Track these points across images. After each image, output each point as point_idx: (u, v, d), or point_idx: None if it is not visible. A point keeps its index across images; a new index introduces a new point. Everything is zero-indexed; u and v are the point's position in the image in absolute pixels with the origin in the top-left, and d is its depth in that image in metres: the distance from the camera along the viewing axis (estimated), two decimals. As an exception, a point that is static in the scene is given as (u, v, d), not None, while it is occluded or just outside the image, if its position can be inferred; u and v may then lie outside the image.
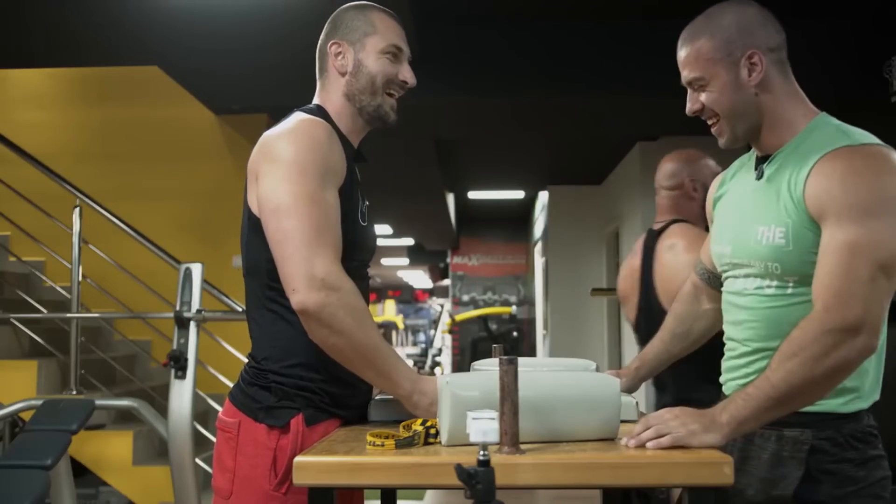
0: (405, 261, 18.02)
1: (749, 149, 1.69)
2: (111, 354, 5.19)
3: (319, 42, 1.79)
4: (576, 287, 8.99)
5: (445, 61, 4.83)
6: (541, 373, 1.56)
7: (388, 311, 26.99)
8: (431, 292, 25.84)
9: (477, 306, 13.38)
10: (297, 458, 1.35)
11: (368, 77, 1.72)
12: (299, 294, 1.52)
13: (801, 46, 4.78)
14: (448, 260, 14.07)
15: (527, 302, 13.00)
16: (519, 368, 1.35)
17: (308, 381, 1.62)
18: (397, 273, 23.43)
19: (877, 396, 1.58)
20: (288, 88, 4.69)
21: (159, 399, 4.65)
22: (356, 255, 1.68)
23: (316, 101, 1.78)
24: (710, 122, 1.63)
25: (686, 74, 1.61)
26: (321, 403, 1.64)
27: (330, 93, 1.75)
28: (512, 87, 4.91)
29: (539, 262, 10.94)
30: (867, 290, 1.42)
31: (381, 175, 7.83)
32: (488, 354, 1.94)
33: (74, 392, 4.29)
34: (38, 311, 4.77)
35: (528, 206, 11.53)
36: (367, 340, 1.55)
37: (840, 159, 1.48)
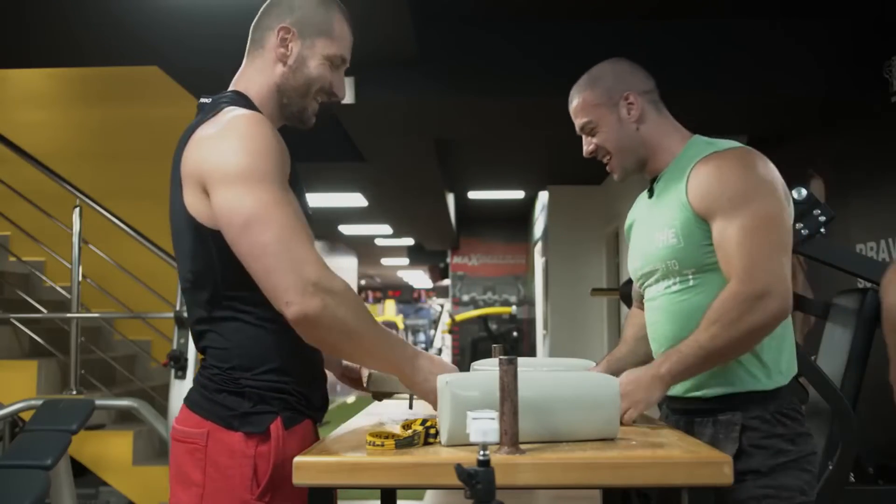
0: (405, 261, 18.02)
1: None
2: (111, 354, 5.19)
3: (263, 15, 1.65)
4: (576, 287, 8.99)
5: (446, 61, 4.82)
6: (541, 373, 1.56)
7: (388, 311, 27.00)
8: (429, 291, 25.83)
9: (477, 306, 13.38)
10: (297, 459, 1.35)
11: (306, 79, 1.63)
12: (295, 305, 1.43)
13: (801, 46, 4.83)
14: (448, 260, 14.07)
15: (527, 302, 13.00)
16: (519, 368, 1.36)
17: (283, 384, 1.55)
18: (397, 273, 23.44)
19: (794, 370, 1.78)
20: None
21: (159, 399, 4.65)
22: None
23: (235, 85, 1.65)
24: (605, 161, 1.89)
25: (578, 122, 1.89)
26: (297, 405, 1.57)
27: (258, 74, 1.63)
28: (512, 86, 4.91)
29: (539, 262, 10.94)
30: (768, 261, 1.64)
31: (382, 175, 7.83)
32: (488, 354, 1.94)
33: (74, 392, 4.30)
34: (38, 311, 4.77)
35: (528, 206, 11.53)
36: (369, 335, 1.51)
37: (711, 162, 1.73)
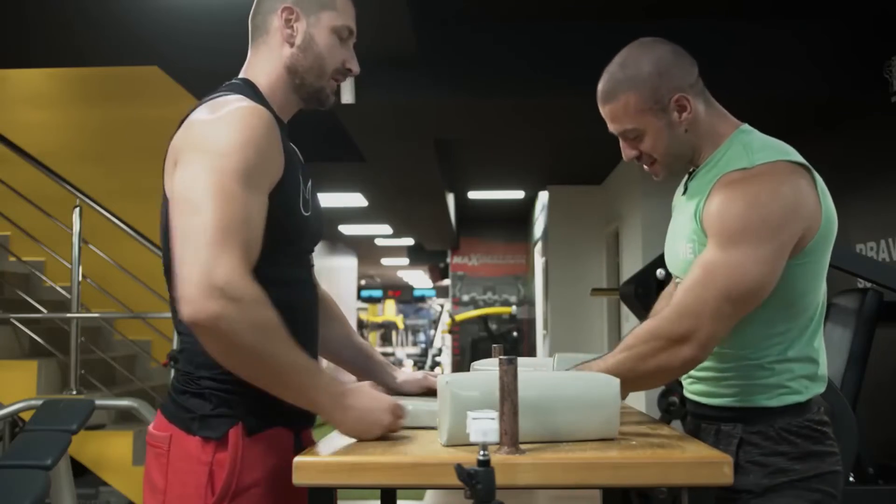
0: (405, 261, 18.02)
1: None
2: (111, 354, 5.19)
3: (261, 0, 1.61)
4: (576, 287, 8.98)
5: (445, 61, 4.82)
6: (541, 373, 1.56)
7: (388, 311, 26.99)
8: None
9: (477, 306, 13.38)
10: (297, 459, 1.34)
11: (316, 57, 1.56)
12: (190, 304, 1.30)
13: (801, 47, 4.82)
14: (448, 260, 14.07)
15: (527, 302, 13.00)
16: (519, 368, 1.36)
17: (248, 387, 1.42)
18: (397, 273, 23.43)
19: (819, 390, 1.65)
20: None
21: (159, 399, 4.65)
22: (297, 245, 1.55)
23: (243, 73, 1.59)
24: (647, 166, 1.70)
25: (617, 127, 1.66)
26: (263, 410, 1.46)
27: (265, 61, 1.57)
28: (512, 86, 4.91)
29: (539, 262, 10.94)
30: (705, 310, 1.51)
31: (381, 175, 7.83)
32: (488, 354, 1.94)
33: (74, 392, 4.29)
34: (38, 311, 4.77)
35: (528, 206, 11.53)
36: (274, 357, 1.36)
37: (725, 185, 1.56)
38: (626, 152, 1.69)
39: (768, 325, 1.60)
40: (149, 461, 1.51)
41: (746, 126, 1.69)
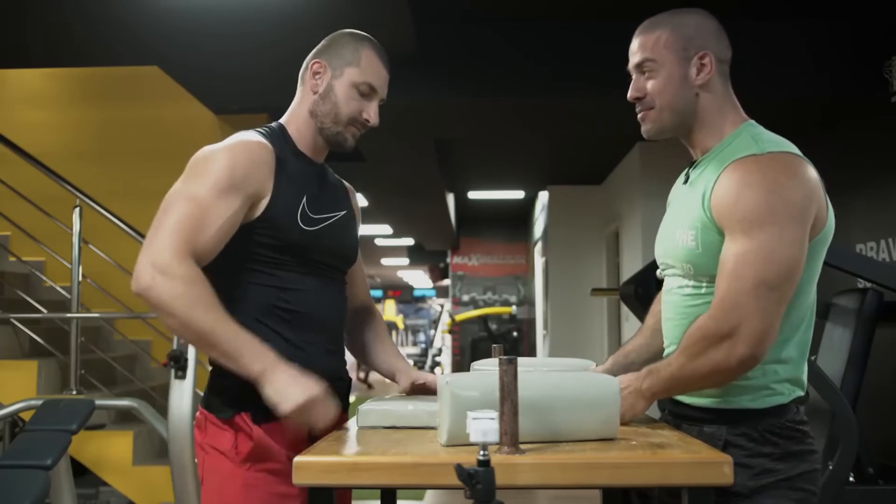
0: (405, 261, 18.02)
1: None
2: (111, 354, 5.19)
3: (308, 58, 1.86)
4: (576, 287, 8.99)
5: (446, 61, 4.83)
6: (541, 373, 1.56)
7: (388, 311, 27.00)
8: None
9: (477, 306, 13.38)
10: (297, 459, 1.35)
11: (333, 105, 1.79)
12: (134, 278, 1.59)
13: (801, 46, 4.82)
14: (448, 260, 14.07)
15: (527, 302, 13.00)
16: (519, 368, 1.36)
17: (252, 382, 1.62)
18: (397, 273, 23.43)
19: (800, 392, 1.63)
20: (287, 89, 4.68)
21: (159, 399, 4.64)
22: (306, 255, 1.75)
23: (285, 116, 1.86)
24: (641, 112, 1.71)
25: (639, 56, 1.69)
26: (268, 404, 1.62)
27: (298, 106, 1.84)
28: (512, 86, 4.91)
29: (539, 262, 10.95)
30: (747, 302, 1.50)
31: (382, 175, 7.84)
32: (488, 354, 1.94)
33: (74, 392, 4.29)
34: (38, 311, 4.77)
35: (528, 206, 11.53)
36: (199, 322, 1.57)
37: (739, 170, 1.56)
38: (632, 92, 1.71)
39: None
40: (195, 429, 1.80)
41: (753, 121, 1.71)
